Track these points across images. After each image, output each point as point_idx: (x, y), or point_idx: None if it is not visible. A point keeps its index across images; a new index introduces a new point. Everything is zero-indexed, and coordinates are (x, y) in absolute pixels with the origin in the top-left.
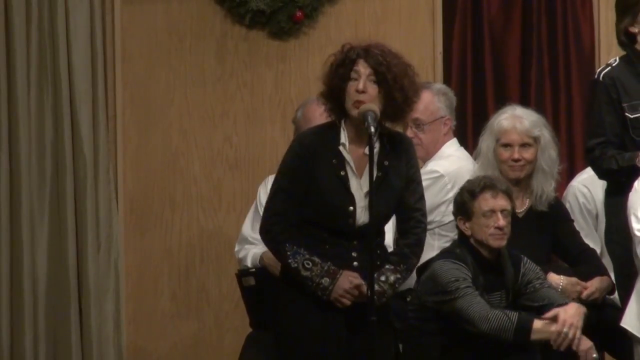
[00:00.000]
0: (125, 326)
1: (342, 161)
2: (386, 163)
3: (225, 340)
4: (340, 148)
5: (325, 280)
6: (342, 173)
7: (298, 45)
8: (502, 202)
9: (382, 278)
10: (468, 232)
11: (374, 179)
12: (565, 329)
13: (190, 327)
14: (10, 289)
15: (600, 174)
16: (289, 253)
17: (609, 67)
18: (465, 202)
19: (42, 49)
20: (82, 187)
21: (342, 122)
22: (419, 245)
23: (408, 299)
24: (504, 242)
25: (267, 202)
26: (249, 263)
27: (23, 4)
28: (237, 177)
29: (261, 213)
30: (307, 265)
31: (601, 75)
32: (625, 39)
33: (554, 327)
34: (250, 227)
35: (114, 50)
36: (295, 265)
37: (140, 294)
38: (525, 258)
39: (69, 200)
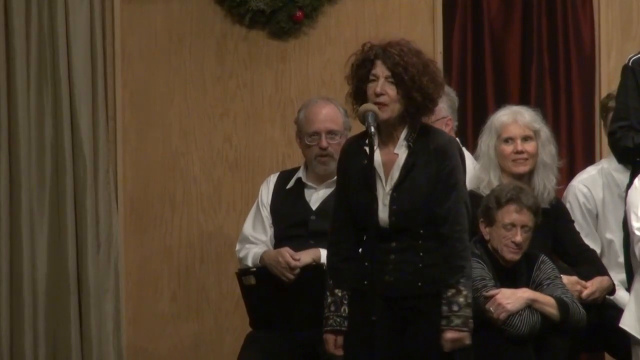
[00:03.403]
0: (125, 326)
1: (370, 161)
2: (410, 161)
3: (225, 340)
4: (366, 148)
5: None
6: (369, 172)
7: (298, 45)
8: (524, 218)
9: (455, 308)
10: (487, 237)
11: (398, 176)
12: (492, 308)
13: (190, 327)
14: (10, 289)
15: (619, 154)
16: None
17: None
18: (490, 208)
19: (42, 49)
20: (82, 187)
21: None
22: (454, 252)
23: None
24: (517, 257)
25: (330, 222)
26: (249, 262)
27: (23, 4)
28: (237, 177)
29: (262, 212)
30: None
31: (630, 60)
32: None
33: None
34: (251, 227)
35: (114, 50)
36: (327, 293)
37: (140, 294)
38: (542, 257)
39: (68, 200)
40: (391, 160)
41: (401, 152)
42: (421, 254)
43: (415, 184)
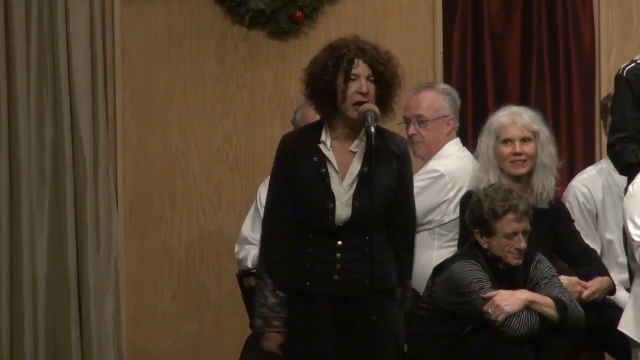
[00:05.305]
0: (125, 326)
1: (323, 159)
2: (370, 159)
3: (225, 340)
4: (320, 146)
5: (258, 322)
6: (323, 170)
7: (298, 45)
8: (524, 224)
9: (407, 304)
10: (485, 246)
11: (358, 173)
12: (490, 309)
13: (190, 327)
14: (10, 289)
15: (621, 169)
16: (259, 275)
17: (634, 64)
18: (486, 220)
19: (42, 49)
20: (82, 187)
21: (327, 120)
22: (411, 259)
23: None
24: (521, 261)
25: (263, 219)
26: (249, 264)
27: (23, 4)
28: (237, 177)
29: (261, 213)
30: (260, 299)
31: (624, 71)
32: None
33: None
34: (250, 228)
35: (113, 50)
36: (257, 289)
37: (140, 294)
38: (539, 256)
39: (68, 200)
40: (346, 158)
41: (359, 150)
42: (367, 249)
43: (378, 182)
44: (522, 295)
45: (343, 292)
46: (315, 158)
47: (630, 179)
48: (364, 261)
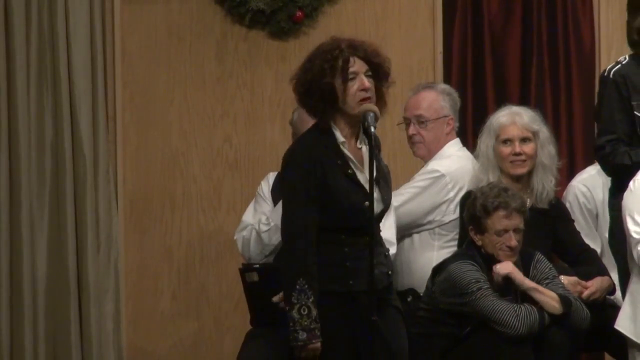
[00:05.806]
0: (125, 326)
1: (345, 160)
2: (375, 152)
3: (225, 340)
4: (341, 146)
5: (302, 334)
6: (350, 171)
7: (298, 45)
8: (515, 221)
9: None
10: (479, 243)
11: (375, 168)
12: (501, 264)
13: (190, 327)
14: (10, 289)
15: (611, 170)
16: (297, 287)
17: (619, 65)
18: (479, 217)
19: (42, 49)
20: (82, 187)
21: (332, 122)
22: None
23: (409, 299)
24: (514, 259)
25: (295, 234)
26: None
27: (23, 4)
28: (237, 177)
29: (265, 202)
30: (302, 312)
31: (611, 72)
32: (637, 37)
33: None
34: (252, 216)
35: (113, 50)
36: (295, 302)
37: (140, 294)
38: (538, 256)
39: (68, 200)
40: (358, 155)
41: (364, 146)
42: (382, 242)
43: (384, 172)
44: (530, 282)
45: (380, 286)
46: (339, 161)
47: (617, 180)
48: (382, 252)
